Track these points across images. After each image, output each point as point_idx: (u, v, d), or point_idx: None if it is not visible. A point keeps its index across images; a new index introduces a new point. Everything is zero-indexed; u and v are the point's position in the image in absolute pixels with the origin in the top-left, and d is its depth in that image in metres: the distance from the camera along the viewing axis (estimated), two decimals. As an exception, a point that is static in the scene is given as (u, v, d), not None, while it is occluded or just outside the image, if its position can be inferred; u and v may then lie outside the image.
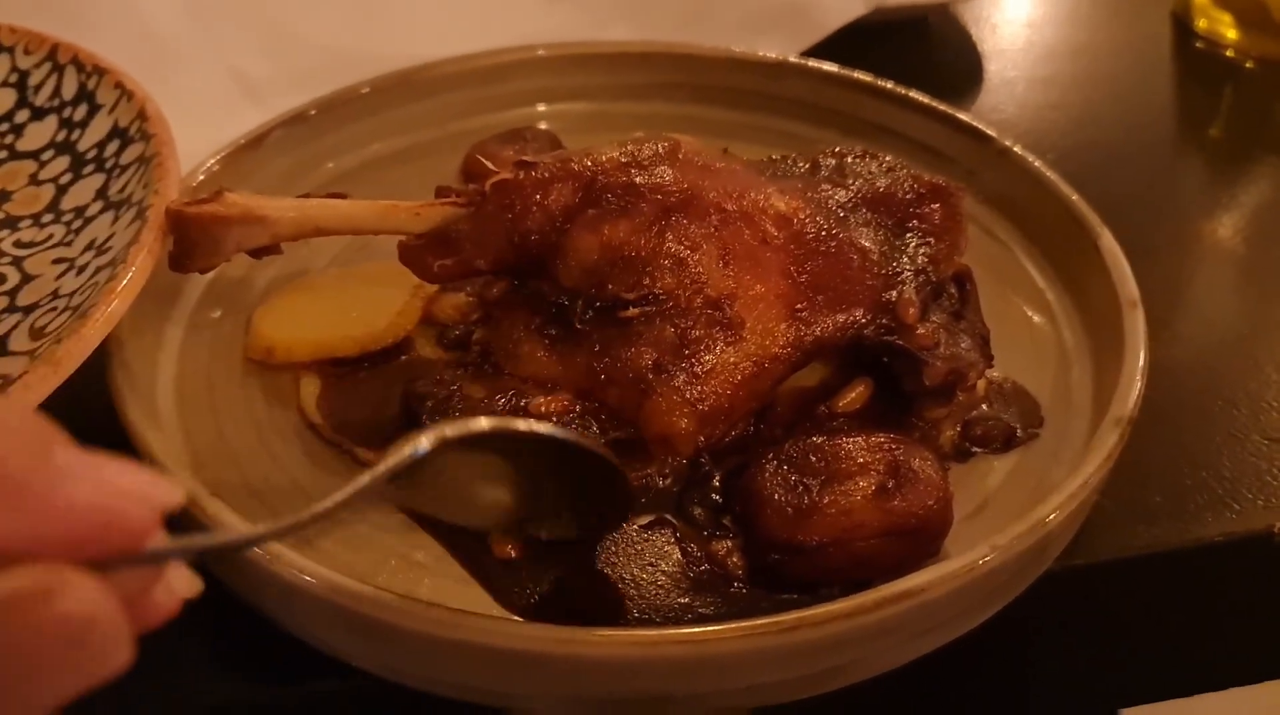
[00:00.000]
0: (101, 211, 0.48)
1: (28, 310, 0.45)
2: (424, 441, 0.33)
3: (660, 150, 0.47)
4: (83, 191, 0.49)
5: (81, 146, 0.51)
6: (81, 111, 0.52)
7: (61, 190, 0.50)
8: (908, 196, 0.49)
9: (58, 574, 0.23)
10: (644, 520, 0.43)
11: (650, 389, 0.43)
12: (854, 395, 0.47)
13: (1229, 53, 0.80)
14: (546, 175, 0.46)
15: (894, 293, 0.46)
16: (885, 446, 0.42)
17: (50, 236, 0.48)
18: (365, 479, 0.32)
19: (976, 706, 0.51)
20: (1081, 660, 0.50)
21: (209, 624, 0.42)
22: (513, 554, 0.42)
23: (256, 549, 0.38)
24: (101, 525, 0.24)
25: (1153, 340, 0.47)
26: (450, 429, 0.34)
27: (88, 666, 0.24)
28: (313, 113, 0.58)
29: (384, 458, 0.33)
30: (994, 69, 0.77)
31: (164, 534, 0.26)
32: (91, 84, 0.52)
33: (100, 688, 0.24)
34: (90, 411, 0.43)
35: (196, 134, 0.52)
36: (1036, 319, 0.53)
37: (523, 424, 0.39)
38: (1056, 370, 0.50)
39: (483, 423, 0.36)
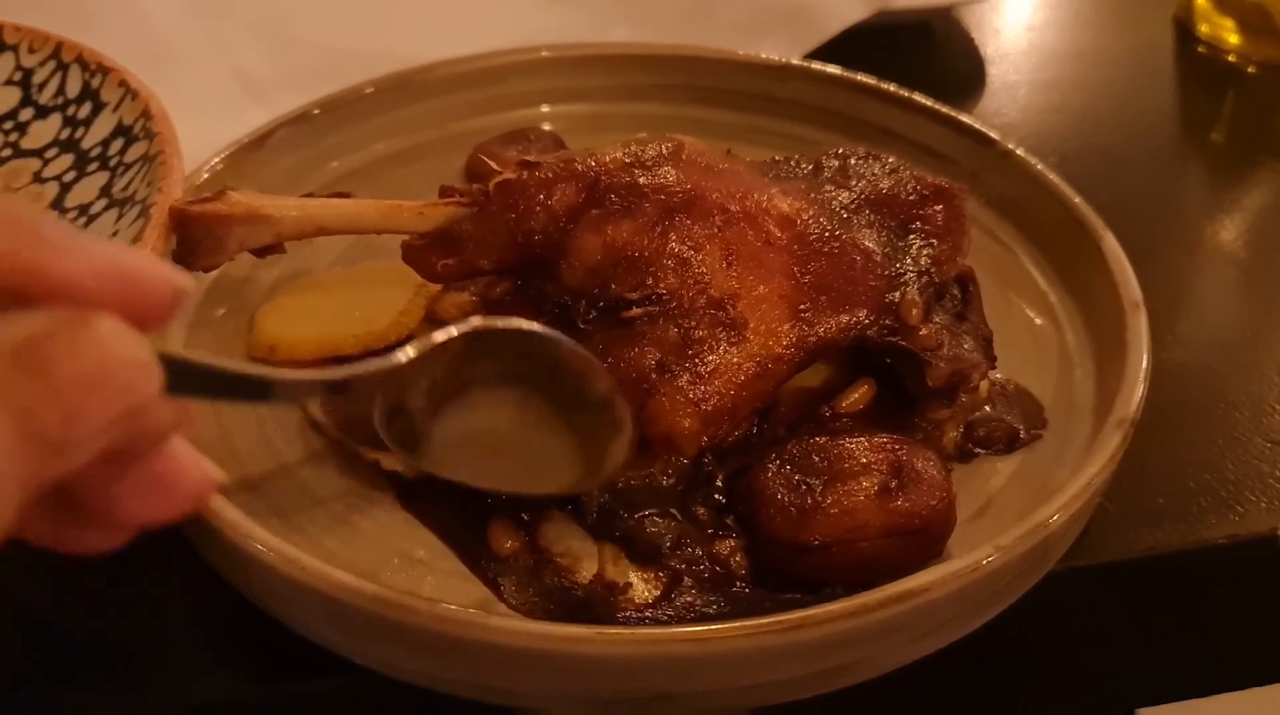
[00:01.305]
0: (105, 209, 0.48)
1: (31, 307, 0.45)
2: (454, 329, 0.37)
3: (664, 151, 0.47)
4: (86, 189, 0.49)
5: (85, 144, 0.51)
6: (85, 110, 0.52)
7: (65, 188, 0.50)
8: (911, 198, 0.49)
9: (85, 311, 0.24)
10: (647, 516, 0.43)
11: (654, 389, 0.43)
12: (857, 396, 0.47)
13: (1231, 57, 0.80)
14: (550, 175, 0.46)
15: (897, 294, 0.46)
16: (888, 447, 0.42)
17: (53, 234, 0.48)
18: (400, 358, 0.36)
19: (980, 708, 0.51)
20: (1083, 663, 0.49)
21: (209, 620, 0.42)
22: (513, 549, 0.42)
23: (259, 545, 0.38)
24: (121, 283, 0.26)
25: (1155, 343, 0.47)
26: (479, 321, 0.38)
27: (121, 396, 0.25)
28: (316, 112, 0.58)
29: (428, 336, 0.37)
30: (996, 73, 0.77)
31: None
32: (95, 82, 0.52)
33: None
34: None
35: (200, 133, 0.52)
36: (1039, 321, 0.53)
37: (546, 330, 0.40)
38: (1059, 372, 0.50)
39: (516, 321, 0.39)
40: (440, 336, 0.37)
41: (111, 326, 0.25)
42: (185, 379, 0.28)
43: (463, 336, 0.38)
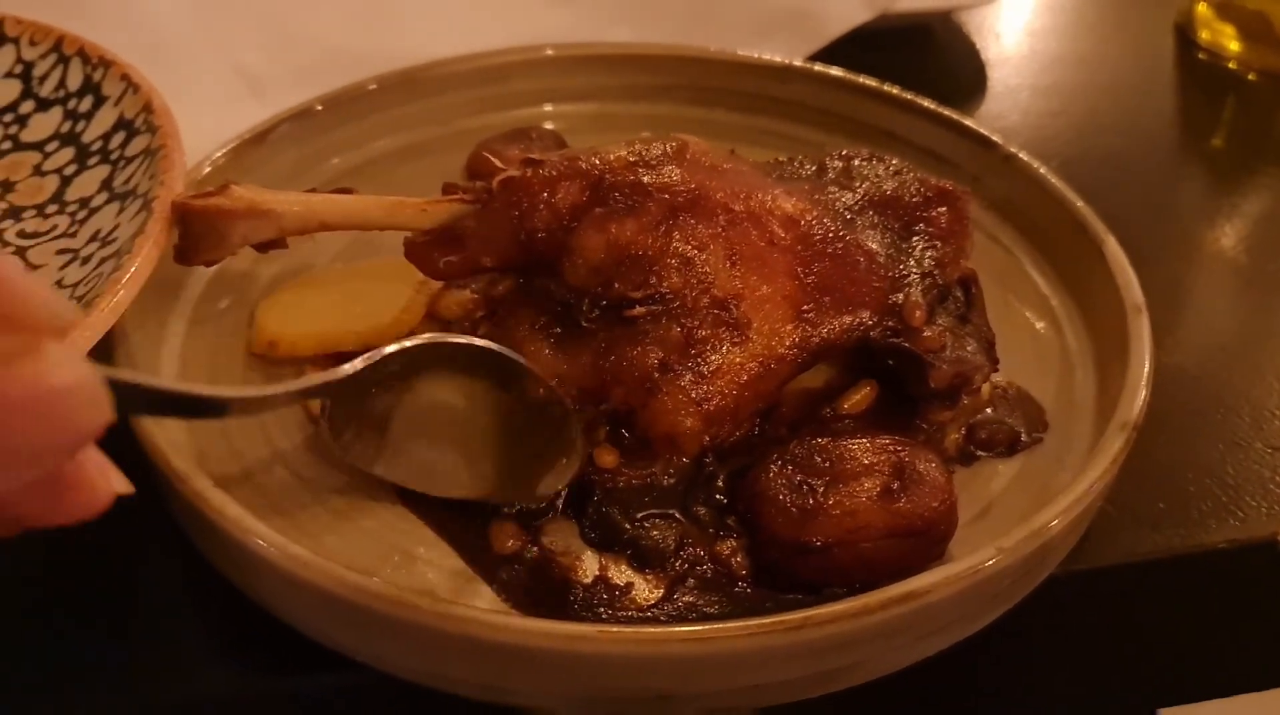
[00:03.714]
0: (106, 203, 0.48)
1: (31, 301, 0.44)
2: (406, 342, 0.40)
3: (668, 150, 0.47)
4: (87, 183, 0.49)
5: (86, 138, 0.51)
6: (87, 103, 0.51)
7: (66, 181, 0.50)
8: (914, 199, 0.49)
9: (34, 339, 0.23)
10: (648, 518, 0.43)
11: (656, 388, 0.43)
12: (859, 397, 0.47)
13: (1231, 64, 0.80)
14: (554, 173, 0.46)
15: (900, 295, 0.46)
16: (890, 448, 0.42)
17: (54, 227, 0.48)
18: (347, 369, 0.39)
19: (978, 711, 0.51)
20: (1082, 666, 0.49)
21: (210, 615, 0.42)
22: (514, 548, 0.42)
23: (260, 542, 0.38)
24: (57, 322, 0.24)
25: (1156, 347, 0.47)
26: (430, 336, 0.41)
27: (68, 430, 0.23)
28: (319, 108, 0.58)
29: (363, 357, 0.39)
30: (998, 77, 0.77)
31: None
32: (97, 76, 0.52)
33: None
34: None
35: (202, 129, 0.52)
36: (1040, 325, 0.53)
37: (500, 348, 0.41)
38: (1061, 375, 0.50)
39: (469, 338, 0.41)
40: (390, 349, 0.40)
41: (59, 353, 0.23)
42: (135, 402, 0.28)
43: (412, 349, 0.40)
